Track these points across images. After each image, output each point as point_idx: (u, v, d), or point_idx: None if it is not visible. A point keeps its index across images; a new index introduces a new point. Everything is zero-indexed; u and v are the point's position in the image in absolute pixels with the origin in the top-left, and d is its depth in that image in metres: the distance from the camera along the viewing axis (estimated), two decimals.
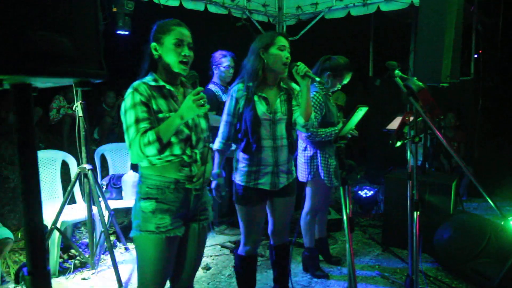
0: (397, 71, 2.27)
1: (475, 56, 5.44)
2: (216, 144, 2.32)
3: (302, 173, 2.96)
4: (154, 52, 1.76)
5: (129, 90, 1.71)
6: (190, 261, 1.94)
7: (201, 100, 1.62)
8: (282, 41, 2.21)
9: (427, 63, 3.28)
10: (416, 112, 2.03)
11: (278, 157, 2.27)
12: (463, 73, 4.51)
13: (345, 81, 3.03)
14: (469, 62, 5.34)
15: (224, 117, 2.30)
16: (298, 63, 2.18)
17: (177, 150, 1.73)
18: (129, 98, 1.69)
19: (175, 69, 1.75)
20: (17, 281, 2.91)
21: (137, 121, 1.65)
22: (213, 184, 2.31)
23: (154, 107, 1.71)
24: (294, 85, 2.37)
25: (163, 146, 1.65)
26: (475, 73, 5.45)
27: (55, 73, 0.80)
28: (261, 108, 2.22)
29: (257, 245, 2.43)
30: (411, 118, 2.21)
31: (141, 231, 1.74)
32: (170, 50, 1.73)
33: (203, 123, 1.86)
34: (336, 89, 3.06)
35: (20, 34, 0.76)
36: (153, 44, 1.76)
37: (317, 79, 2.20)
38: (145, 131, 1.63)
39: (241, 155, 2.30)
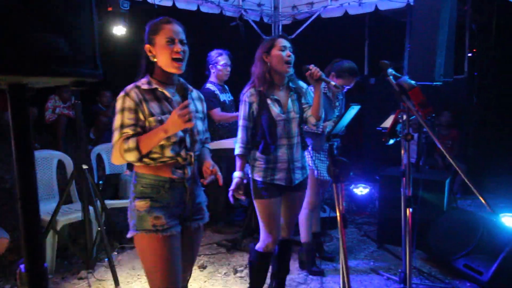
0: (390, 70, 2.30)
1: (469, 55, 5.48)
2: (237, 150, 2.37)
3: None
4: (149, 54, 1.76)
5: (121, 94, 1.73)
6: (185, 261, 1.90)
7: (187, 115, 1.58)
8: (282, 42, 2.32)
9: (421, 62, 3.31)
10: (408, 110, 2.06)
11: (293, 154, 2.36)
12: (457, 72, 4.54)
13: (348, 86, 3.10)
14: (463, 61, 5.38)
15: (240, 122, 2.37)
16: (311, 67, 2.28)
17: (168, 152, 1.72)
18: (119, 102, 1.71)
19: (168, 69, 1.75)
20: (14, 278, 2.91)
21: (122, 126, 1.69)
22: (233, 185, 2.32)
23: (146, 110, 1.71)
24: (301, 83, 2.48)
25: (142, 155, 1.67)
26: (469, 72, 5.49)
27: (51, 73, 0.81)
28: (275, 110, 2.31)
29: (276, 241, 2.45)
30: (404, 116, 2.24)
31: (138, 230, 1.74)
32: (162, 49, 1.73)
33: (200, 125, 1.85)
34: (341, 90, 3.13)
35: (16, 35, 0.78)
36: (147, 46, 1.76)
37: (333, 82, 2.33)
38: (127, 137, 1.66)
39: (257, 154, 2.36)
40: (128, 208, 1.82)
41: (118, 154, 1.68)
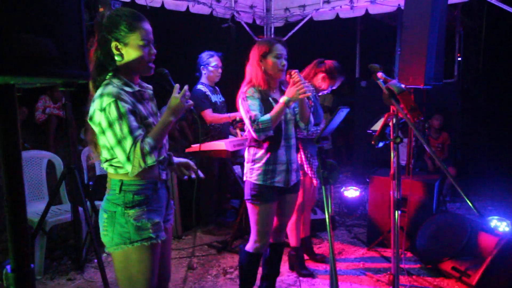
0: (381, 73, 2.32)
1: (459, 58, 5.56)
2: (265, 130, 2.21)
3: None
4: (115, 52, 1.56)
5: (109, 100, 1.50)
6: (167, 264, 1.88)
7: (185, 96, 1.60)
8: (279, 49, 2.31)
9: (411, 65, 3.35)
10: (397, 113, 2.08)
11: (291, 155, 2.38)
12: (446, 76, 4.59)
13: (336, 85, 3.12)
14: (452, 65, 5.45)
15: (255, 112, 2.24)
16: (292, 72, 2.27)
17: (163, 153, 1.69)
18: (112, 109, 1.50)
19: (145, 73, 1.64)
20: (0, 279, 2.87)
21: (131, 130, 1.51)
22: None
23: (140, 113, 1.60)
24: None
25: (159, 151, 1.59)
26: (459, 76, 5.57)
27: (38, 74, 0.81)
28: None
29: (267, 244, 2.46)
30: (394, 119, 2.26)
31: (134, 241, 1.60)
32: (137, 52, 1.57)
33: None
34: (326, 92, 3.16)
35: (3, 36, 0.77)
36: (114, 43, 1.56)
37: (309, 96, 2.31)
38: (143, 139, 1.53)
39: (257, 155, 2.33)
40: (107, 222, 1.64)
41: (141, 160, 1.51)
